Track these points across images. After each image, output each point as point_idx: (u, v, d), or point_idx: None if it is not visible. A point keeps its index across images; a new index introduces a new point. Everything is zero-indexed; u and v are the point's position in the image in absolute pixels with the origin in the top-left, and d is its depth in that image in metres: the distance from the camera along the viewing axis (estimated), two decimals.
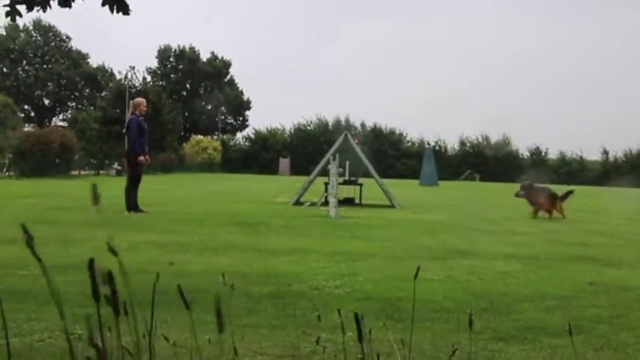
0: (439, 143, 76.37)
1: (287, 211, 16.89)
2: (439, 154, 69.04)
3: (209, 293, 5.91)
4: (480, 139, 77.39)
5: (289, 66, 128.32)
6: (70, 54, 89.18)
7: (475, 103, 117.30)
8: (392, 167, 68.97)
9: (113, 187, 23.86)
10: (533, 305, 5.93)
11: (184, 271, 7.19)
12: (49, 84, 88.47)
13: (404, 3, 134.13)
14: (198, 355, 2.16)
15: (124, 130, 15.94)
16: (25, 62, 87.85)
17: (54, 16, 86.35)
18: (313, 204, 19.20)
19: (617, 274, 7.96)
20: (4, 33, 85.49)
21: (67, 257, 7.30)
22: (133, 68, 70.35)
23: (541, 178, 54.68)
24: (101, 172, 54.85)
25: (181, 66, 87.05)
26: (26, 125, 76.52)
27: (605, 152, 75.03)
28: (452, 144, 77.90)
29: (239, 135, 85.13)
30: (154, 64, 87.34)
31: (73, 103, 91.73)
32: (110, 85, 74.03)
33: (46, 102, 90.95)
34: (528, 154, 76.89)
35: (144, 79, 76.51)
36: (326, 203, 17.19)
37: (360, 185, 21.10)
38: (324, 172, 19.30)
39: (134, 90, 61.38)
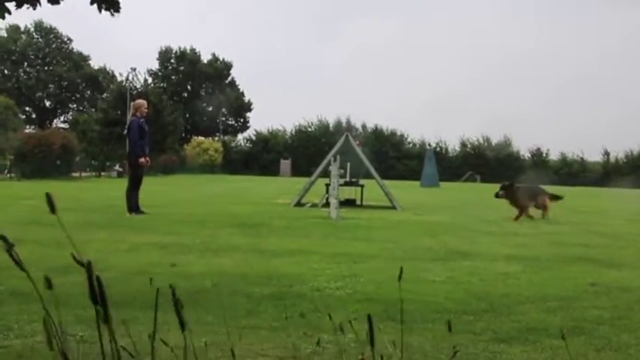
0: (440, 144, 76.37)
1: (288, 213, 16.90)
2: (440, 155, 69.04)
3: (211, 294, 5.93)
4: (481, 140, 77.38)
5: (290, 67, 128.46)
6: (71, 56, 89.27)
7: (476, 103, 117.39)
8: (393, 168, 68.95)
9: (114, 188, 23.91)
10: (535, 306, 5.93)
11: (186, 273, 7.20)
12: (50, 86, 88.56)
13: (404, 3, 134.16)
14: (199, 356, 2.16)
15: (125, 132, 15.94)
16: (26, 64, 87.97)
17: (55, 17, 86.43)
18: (314, 205, 19.20)
19: (619, 275, 7.96)
20: (6, 35, 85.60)
21: (69, 259, 7.29)
22: (134, 70, 70.78)
23: (542, 179, 54.80)
24: (102, 173, 54.87)
25: (182, 67, 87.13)
26: (27, 127, 76.60)
27: (606, 153, 75.01)
28: (453, 145, 77.95)
29: (240, 136, 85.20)
30: (155, 65, 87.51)
31: (74, 105, 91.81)
32: (111, 86, 74.05)
33: (47, 104, 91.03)
34: (529, 155, 76.84)
35: (145, 80, 76.56)
36: (327, 204, 17.19)
37: (361, 186, 21.10)
38: (325, 174, 19.29)
39: (135, 92, 61.40)
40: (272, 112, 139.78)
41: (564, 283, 7.26)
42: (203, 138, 75.83)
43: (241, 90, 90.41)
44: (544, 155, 76.74)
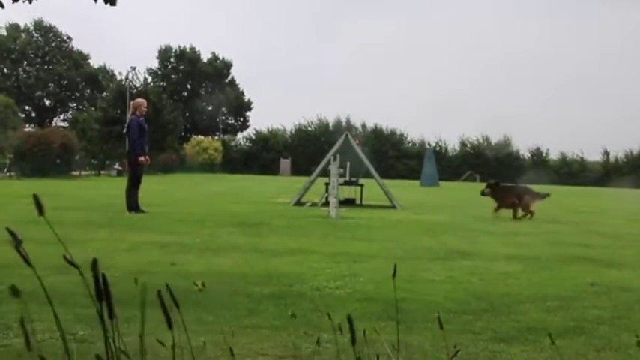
0: (440, 144, 76.40)
1: (288, 212, 16.90)
2: (440, 154, 69.06)
3: (211, 294, 5.93)
4: (481, 140, 77.43)
5: (290, 66, 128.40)
6: (71, 54, 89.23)
7: (476, 103, 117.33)
8: (393, 168, 68.96)
9: (114, 187, 23.91)
10: (535, 306, 5.93)
11: (186, 272, 7.20)
12: (49, 84, 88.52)
13: (404, 3, 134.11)
14: (199, 355, 2.16)
15: (125, 131, 15.94)
16: (26, 63, 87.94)
17: (55, 16, 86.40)
18: (314, 205, 19.20)
19: (618, 275, 7.96)
20: (6, 33, 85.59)
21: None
22: (134, 69, 70.48)
23: (541, 179, 54.78)
24: (102, 172, 54.89)
25: (182, 66, 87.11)
26: (27, 126, 76.57)
27: (606, 153, 75.05)
28: (452, 145, 77.98)
29: (240, 135, 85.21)
30: (155, 64, 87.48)
31: (74, 104, 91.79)
32: (111, 85, 74.04)
33: (47, 102, 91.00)
34: (529, 154, 76.87)
35: (145, 79, 76.55)
36: (327, 204, 17.19)
37: (361, 186, 21.09)
38: (325, 173, 19.29)
39: (135, 90, 61.38)
40: (272, 112, 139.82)
41: (564, 282, 7.27)
42: (203, 137, 75.84)
43: (241, 89, 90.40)
44: (544, 155, 76.78)
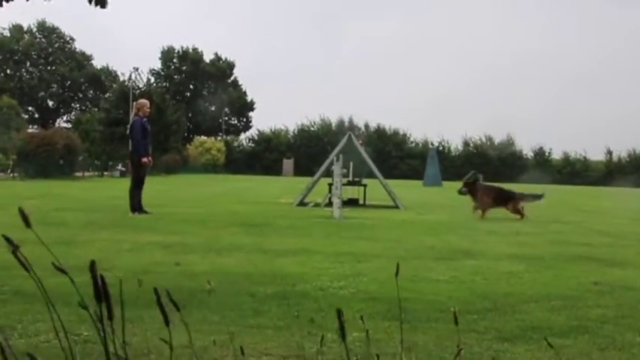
0: (443, 144, 76.38)
1: (291, 212, 16.90)
2: (443, 154, 69.05)
3: (215, 294, 5.93)
4: (484, 140, 77.40)
5: (293, 67, 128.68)
6: (74, 55, 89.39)
7: (479, 103, 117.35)
8: (396, 168, 68.98)
9: (117, 188, 23.93)
10: (538, 305, 5.93)
11: (190, 272, 7.20)
12: (52, 85, 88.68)
13: (406, 2, 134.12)
14: (203, 355, 2.17)
15: (128, 132, 15.96)
16: (29, 63, 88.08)
17: (58, 17, 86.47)
18: (317, 205, 19.20)
19: (622, 274, 7.95)
20: (9, 34, 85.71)
21: (72, 258, 7.31)
22: (137, 69, 70.62)
23: (542, 179, 54.74)
24: (105, 173, 54.98)
25: (185, 67, 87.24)
26: (30, 126, 76.72)
27: (609, 152, 75.01)
28: (455, 144, 77.97)
29: (243, 136, 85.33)
30: (158, 65, 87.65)
31: (77, 105, 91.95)
32: (114, 86, 74.18)
33: (50, 103, 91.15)
34: (532, 154, 76.82)
35: (147, 80, 76.63)
36: (330, 204, 17.18)
37: (364, 186, 21.09)
38: (328, 173, 19.29)
39: (138, 91, 61.48)
40: (274, 112, 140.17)
41: (568, 282, 7.26)
42: (206, 138, 75.96)
43: (244, 89, 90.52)
44: (547, 154, 76.75)
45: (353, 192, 20.94)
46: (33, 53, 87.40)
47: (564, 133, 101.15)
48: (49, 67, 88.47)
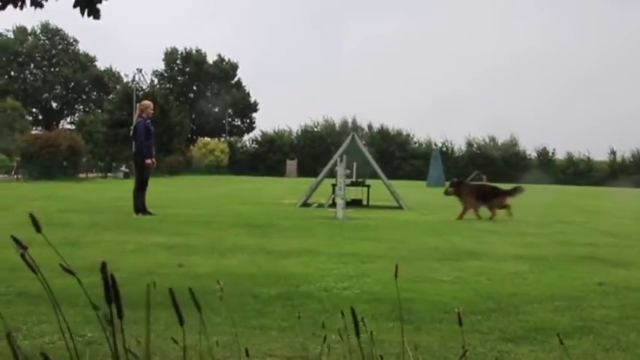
0: (446, 144, 76.32)
1: (295, 213, 16.91)
2: (446, 155, 69.00)
3: (220, 295, 5.93)
4: (487, 140, 77.33)
5: (296, 67, 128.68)
6: (78, 57, 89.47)
7: (482, 103, 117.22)
8: (399, 168, 68.93)
9: (120, 189, 23.95)
10: (542, 306, 5.92)
11: (193, 273, 7.21)
12: (56, 87, 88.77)
13: (409, 3, 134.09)
14: (207, 356, 2.17)
15: (132, 133, 15.99)
16: (32, 65, 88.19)
17: (61, 19, 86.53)
18: (321, 205, 19.21)
19: (626, 275, 7.94)
20: (12, 36, 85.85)
21: (77, 259, 7.32)
22: (140, 71, 70.69)
23: (543, 179, 54.66)
24: (109, 174, 54.99)
25: (188, 68, 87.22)
26: (34, 128, 76.83)
27: (613, 152, 74.91)
28: (459, 145, 77.90)
29: (246, 137, 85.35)
30: (161, 66, 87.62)
31: (81, 106, 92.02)
32: (117, 87, 74.20)
33: (54, 105, 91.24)
34: (535, 154, 76.71)
35: (151, 81, 76.67)
36: (333, 205, 17.19)
37: (368, 186, 21.09)
38: (332, 174, 19.30)
39: (141, 93, 61.50)
40: (278, 113, 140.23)
41: (572, 282, 7.25)
42: (209, 139, 75.96)
43: (247, 90, 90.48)
44: (550, 155, 76.62)
45: (356, 193, 20.95)
46: (37, 55, 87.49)
47: (568, 134, 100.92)
48: (52, 69, 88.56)
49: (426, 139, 77.86)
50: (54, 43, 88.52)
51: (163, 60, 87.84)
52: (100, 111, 75.98)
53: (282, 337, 4.62)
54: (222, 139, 79.68)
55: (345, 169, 16.77)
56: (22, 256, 1.65)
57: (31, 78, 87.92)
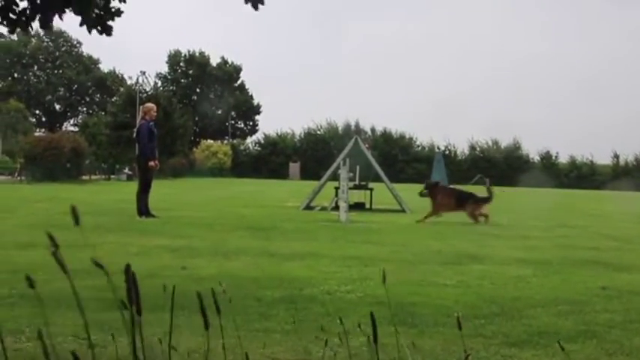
0: (449, 147, 76.27)
1: (298, 216, 16.91)
2: (449, 158, 68.94)
3: (222, 298, 5.93)
4: (490, 144, 77.30)
5: (299, 70, 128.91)
6: (81, 59, 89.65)
7: (485, 106, 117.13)
8: (402, 172, 68.83)
9: (124, 191, 23.97)
10: (546, 310, 5.91)
11: (197, 276, 7.20)
12: (60, 89, 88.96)
13: (412, 6, 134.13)
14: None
15: (135, 135, 16.01)
16: (36, 67, 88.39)
17: (65, 21, 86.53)
18: (324, 208, 19.20)
19: (630, 279, 7.92)
20: (16, 38, 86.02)
21: (79, 262, 7.31)
22: (144, 73, 70.69)
23: (550, 182, 54.59)
24: (112, 176, 55.03)
25: (191, 71, 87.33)
26: (37, 130, 77.04)
27: (616, 156, 74.82)
28: (462, 148, 77.85)
29: (249, 140, 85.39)
30: (165, 69, 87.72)
31: (84, 108, 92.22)
32: (121, 90, 74.26)
33: (57, 107, 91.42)
34: (538, 158, 76.66)
35: (154, 83, 76.75)
36: (336, 208, 17.17)
37: (371, 190, 21.07)
38: (335, 177, 19.29)
39: (145, 95, 61.56)
40: (281, 116, 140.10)
41: (575, 286, 7.24)
42: (212, 141, 76.00)
43: (250, 93, 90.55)
44: (553, 158, 76.56)
45: (359, 196, 20.93)
46: (40, 57, 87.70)
47: (571, 137, 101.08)
48: (56, 71, 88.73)
49: (428, 143, 77.87)
50: (57, 45, 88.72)
51: (167, 62, 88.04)
52: (103, 113, 76.13)
53: (286, 341, 4.62)
54: (225, 142, 79.72)
55: (348, 172, 16.76)
56: (54, 254, 1.65)
57: (35, 80, 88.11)
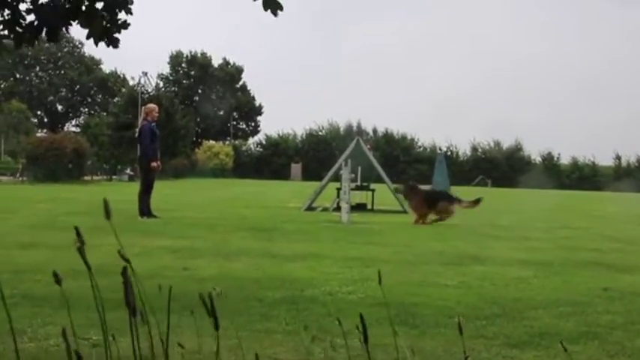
0: (451, 148, 76.31)
1: (299, 217, 16.91)
2: (451, 159, 68.90)
3: (224, 298, 5.93)
4: (492, 145, 77.32)
5: (301, 71, 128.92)
6: (83, 60, 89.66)
7: (487, 107, 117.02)
8: (404, 173, 68.74)
9: (125, 192, 23.97)
10: (547, 311, 5.91)
11: (198, 277, 7.21)
12: (62, 89, 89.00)
13: (415, 8, 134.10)
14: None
15: (137, 136, 16.02)
16: (38, 68, 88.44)
17: None
18: (325, 209, 19.21)
19: (632, 280, 7.92)
20: None
21: (81, 262, 7.31)
22: (146, 74, 70.65)
23: (552, 183, 54.55)
24: (114, 177, 55.07)
25: (193, 72, 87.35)
26: (39, 131, 77.06)
27: (618, 157, 74.85)
28: (463, 149, 77.89)
29: (251, 140, 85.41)
30: (166, 69, 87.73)
31: (86, 109, 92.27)
32: (123, 90, 74.31)
33: (59, 107, 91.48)
34: (540, 159, 76.68)
35: (156, 84, 76.74)
36: (338, 209, 17.17)
37: (372, 191, 21.07)
38: (336, 178, 19.30)
39: (146, 96, 61.56)
40: (283, 116, 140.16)
41: (577, 287, 7.23)
42: (214, 142, 76.01)
43: (252, 94, 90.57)
44: (555, 159, 76.58)
45: (361, 197, 20.92)
46: (42, 57, 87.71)
47: (572, 138, 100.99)
48: (58, 72, 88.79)
49: (430, 144, 77.99)
50: (59, 46, 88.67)
51: (169, 63, 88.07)
52: (105, 114, 76.11)
53: (287, 341, 4.62)
54: (227, 143, 79.74)
55: (350, 173, 16.75)
56: (79, 249, 1.66)
57: (37, 80, 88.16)
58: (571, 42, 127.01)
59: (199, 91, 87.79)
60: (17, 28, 5.73)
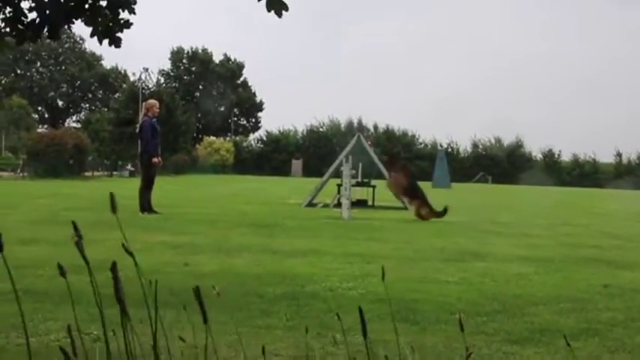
0: (451, 145, 76.30)
1: (300, 213, 16.91)
2: (451, 155, 68.95)
3: (225, 294, 5.93)
4: (493, 141, 77.28)
5: (302, 67, 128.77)
6: (84, 55, 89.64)
7: (488, 104, 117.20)
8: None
9: (126, 188, 23.97)
10: (547, 308, 5.91)
11: (199, 272, 7.21)
12: (62, 85, 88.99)
13: (416, 5, 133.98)
14: (212, 355, 2.17)
15: (137, 132, 16.02)
16: (39, 63, 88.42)
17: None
18: (326, 206, 19.21)
19: (632, 277, 7.92)
20: None
21: (81, 258, 7.32)
22: (147, 70, 70.66)
23: (553, 180, 54.53)
24: (114, 173, 55.11)
25: (194, 68, 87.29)
26: (40, 126, 77.06)
27: (619, 154, 74.85)
28: (464, 146, 77.88)
29: (251, 136, 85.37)
30: (167, 65, 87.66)
31: (87, 105, 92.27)
32: (123, 86, 74.32)
33: (60, 103, 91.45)
34: (541, 156, 76.66)
35: (157, 80, 76.72)
36: (339, 205, 17.18)
37: (373, 187, 21.07)
38: (337, 174, 19.30)
39: (147, 92, 61.58)
40: (283, 113, 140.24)
41: (577, 284, 7.23)
42: (215, 138, 75.95)
43: (253, 90, 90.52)
44: (556, 156, 76.55)
45: (362, 193, 20.92)
46: (43, 53, 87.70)
47: (573, 136, 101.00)
48: (59, 67, 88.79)
49: (431, 140, 77.96)
50: (60, 42, 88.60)
51: (170, 59, 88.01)
52: (106, 109, 76.15)
53: (288, 337, 4.62)
54: (228, 139, 79.69)
55: (351, 169, 16.75)
56: (77, 244, 1.66)
57: (38, 76, 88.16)
58: (571, 42, 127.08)
59: (200, 87, 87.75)
60: (19, 26, 5.73)
